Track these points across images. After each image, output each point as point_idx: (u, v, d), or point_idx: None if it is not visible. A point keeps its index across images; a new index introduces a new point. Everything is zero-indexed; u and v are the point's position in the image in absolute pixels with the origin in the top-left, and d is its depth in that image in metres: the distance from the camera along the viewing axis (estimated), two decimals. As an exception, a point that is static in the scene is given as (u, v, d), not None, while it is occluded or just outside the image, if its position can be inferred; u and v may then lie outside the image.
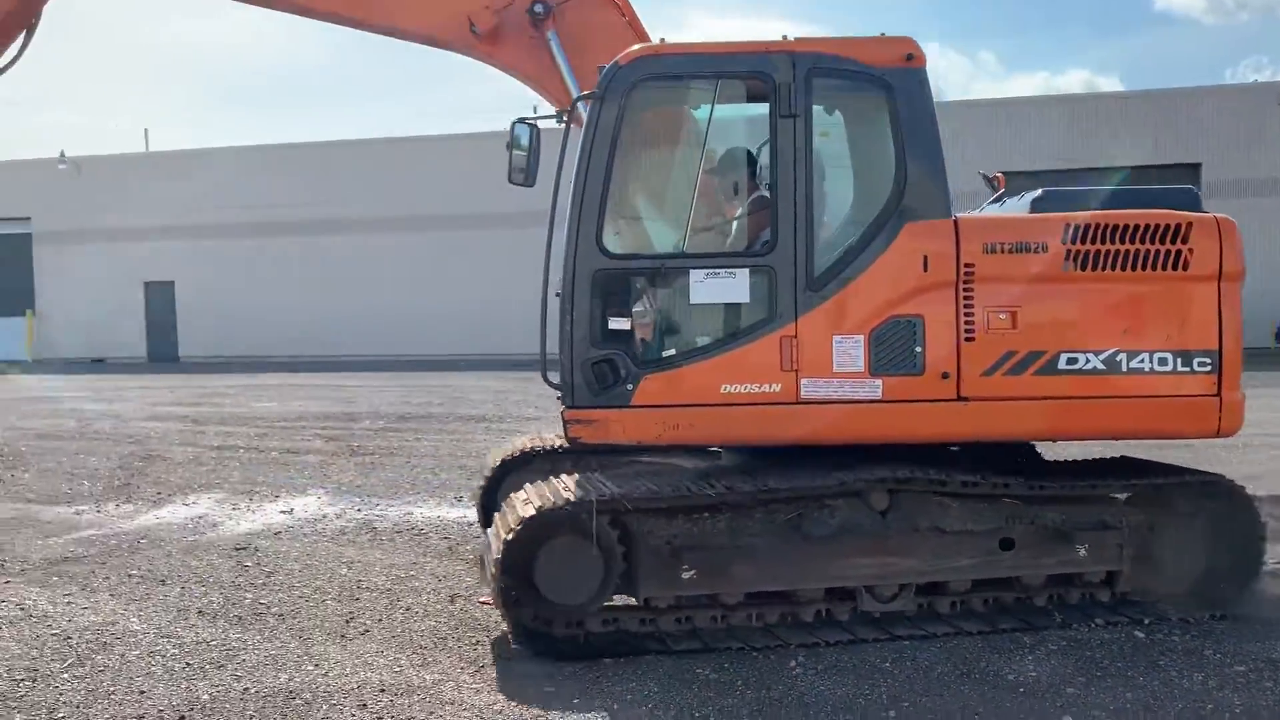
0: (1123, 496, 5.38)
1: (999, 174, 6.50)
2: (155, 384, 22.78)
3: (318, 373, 24.98)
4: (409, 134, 31.54)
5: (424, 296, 29.85)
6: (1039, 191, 5.53)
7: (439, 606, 5.76)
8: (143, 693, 4.52)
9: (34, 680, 4.68)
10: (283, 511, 8.56)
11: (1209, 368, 5.15)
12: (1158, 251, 5.12)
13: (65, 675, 4.74)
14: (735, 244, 5.54)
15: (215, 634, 5.31)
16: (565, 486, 5.11)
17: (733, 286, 5.13)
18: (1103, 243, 5.11)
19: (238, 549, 7.22)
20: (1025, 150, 26.40)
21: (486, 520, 6.49)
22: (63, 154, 32.98)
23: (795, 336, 5.06)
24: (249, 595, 6.04)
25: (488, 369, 24.88)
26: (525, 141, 5.36)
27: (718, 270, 5.15)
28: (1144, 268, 5.13)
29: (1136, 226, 5.12)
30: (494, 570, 4.84)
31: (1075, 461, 5.88)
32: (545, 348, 5.33)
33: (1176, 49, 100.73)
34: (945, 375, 5.10)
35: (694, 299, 5.17)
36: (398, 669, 4.77)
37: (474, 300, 29.27)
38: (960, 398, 5.11)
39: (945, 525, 5.12)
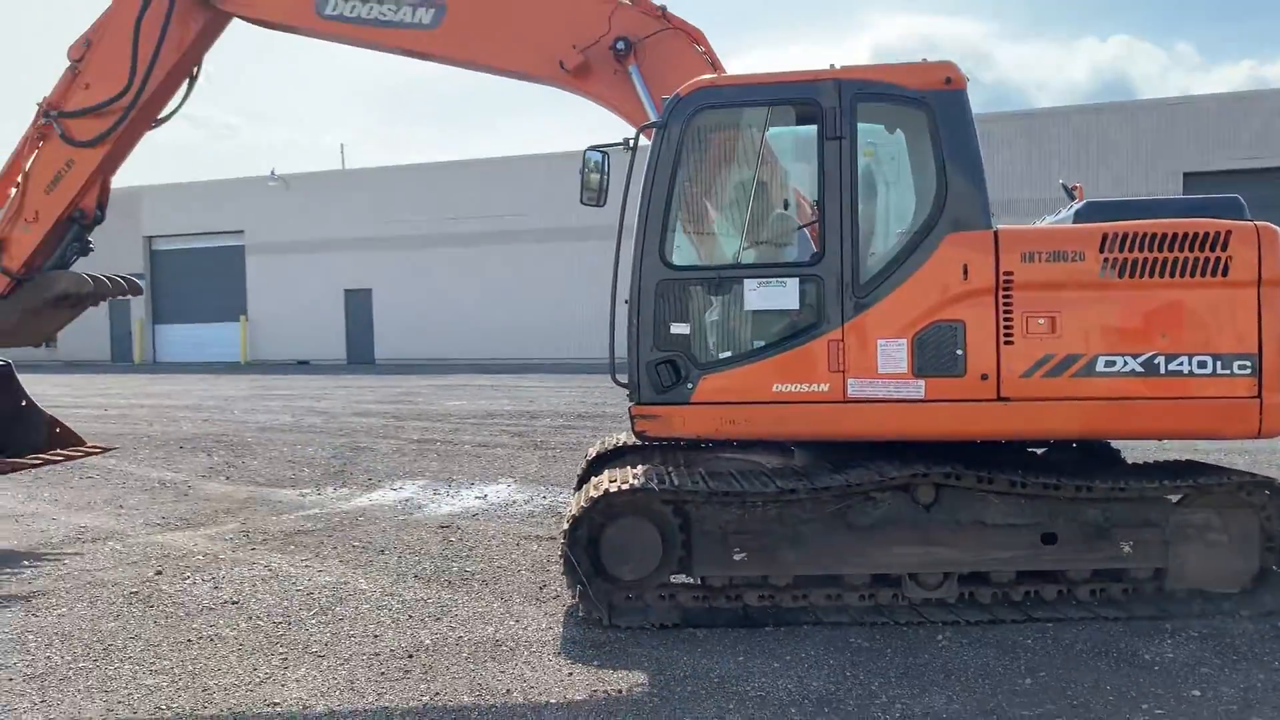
0: (1175, 498, 5.56)
1: (1078, 185, 6.72)
2: (355, 384, 24.62)
3: (499, 374, 26.40)
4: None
5: (592, 302, 30.95)
6: (1083, 203, 5.80)
7: (619, 579, 6.45)
8: (376, 636, 5.39)
9: (289, 624, 5.62)
10: (478, 497, 9.46)
11: (1249, 371, 5.32)
12: (1197, 259, 5.32)
13: (312, 621, 5.67)
14: (786, 255, 6.01)
15: (430, 594, 6.17)
16: (634, 474, 5.65)
17: (784, 294, 5.59)
18: (1141, 251, 5.34)
19: (442, 527, 8.14)
20: (1211, 148, 25.32)
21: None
22: (273, 172, 35.85)
23: (842, 340, 5.49)
24: (455, 564, 6.90)
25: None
26: (596, 166, 6.05)
27: (769, 280, 5.63)
28: (1183, 274, 5.33)
29: (1175, 235, 5.33)
30: (564, 542, 5.46)
31: (1143, 464, 6.07)
32: (614, 350, 5.92)
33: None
34: (985, 376, 5.41)
35: (748, 306, 5.65)
36: (586, 628, 5.47)
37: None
38: (1000, 398, 5.41)
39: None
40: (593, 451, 7.27)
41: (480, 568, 6.81)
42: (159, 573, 6.80)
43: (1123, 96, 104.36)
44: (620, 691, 4.56)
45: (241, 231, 36.30)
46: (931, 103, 5.50)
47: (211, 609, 5.93)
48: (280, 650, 5.18)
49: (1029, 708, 4.30)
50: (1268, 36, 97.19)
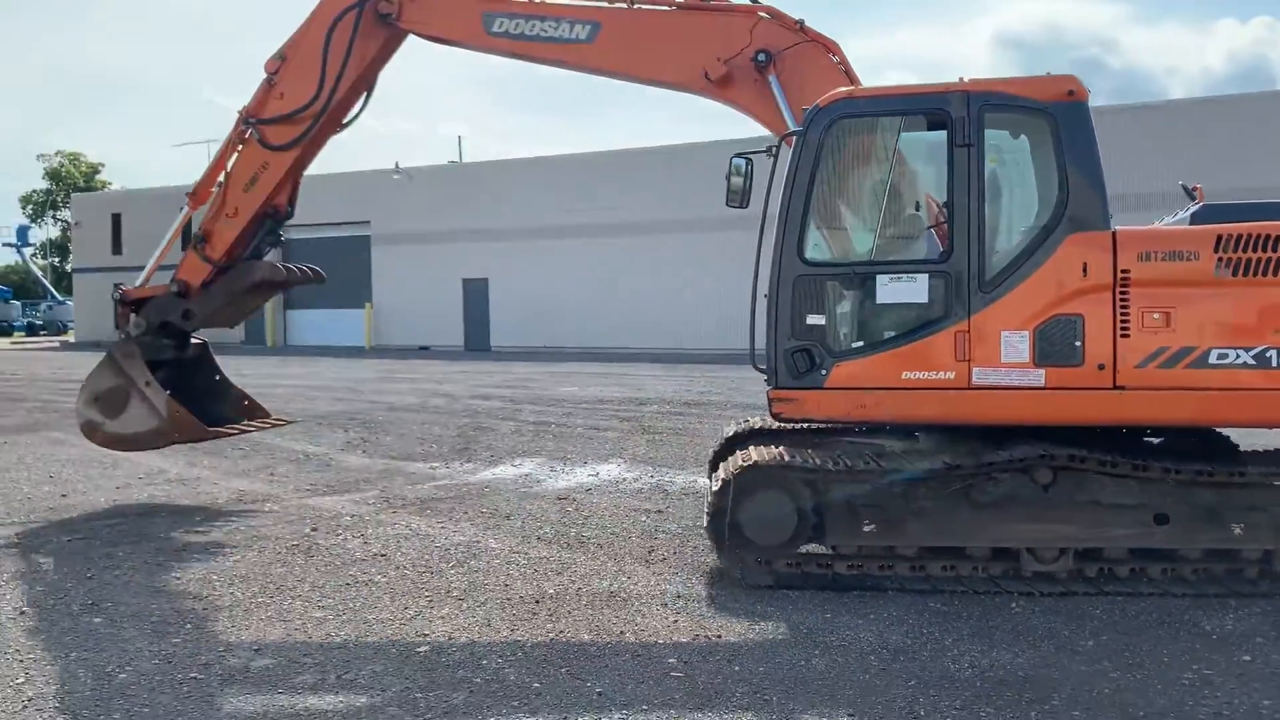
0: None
1: (1198, 185, 7.04)
2: (474, 369, 25.76)
3: (608, 363, 27.23)
4: (686, 141, 33.35)
5: (701, 293, 31.53)
6: (1199, 205, 6.16)
7: (721, 547, 7.08)
8: (506, 585, 6.14)
9: (431, 573, 6.42)
10: (590, 475, 10.19)
11: None
12: None
13: (451, 571, 6.46)
14: (916, 253, 6.45)
15: (552, 553, 6.91)
16: (773, 453, 6.21)
17: (914, 289, 6.06)
18: (1254, 251, 5.67)
19: (560, 499, 8.90)
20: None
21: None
22: (397, 165, 37.41)
23: (968, 332, 5.92)
24: (573, 530, 7.63)
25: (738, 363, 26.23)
26: (739, 170, 6.64)
27: (900, 275, 6.13)
28: None
29: None
30: (708, 513, 6.07)
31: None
32: (754, 339, 6.51)
33: None
34: (1102, 366, 5.79)
35: (880, 300, 6.14)
36: (689, 585, 6.13)
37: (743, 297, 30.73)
38: (1116, 387, 5.80)
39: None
40: (730, 430, 7.85)
41: (595, 534, 7.52)
42: (314, 529, 7.70)
43: (1263, 82, 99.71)
44: (719, 636, 5.20)
45: (368, 222, 37.94)
46: (1055, 113, 5.95)
47: (363, 560, 6.77)
48: (426, 594, 5.97)
49: (1086, 664, 4.79)
50: None
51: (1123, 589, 5.86)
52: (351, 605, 5.76)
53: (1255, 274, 5.68)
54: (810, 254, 6.24)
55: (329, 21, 7.94)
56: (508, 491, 9.26)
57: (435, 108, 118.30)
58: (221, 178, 8.47)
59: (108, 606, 5.76)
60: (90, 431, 8.58)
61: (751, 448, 6.47)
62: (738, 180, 6.65)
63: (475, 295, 35.89)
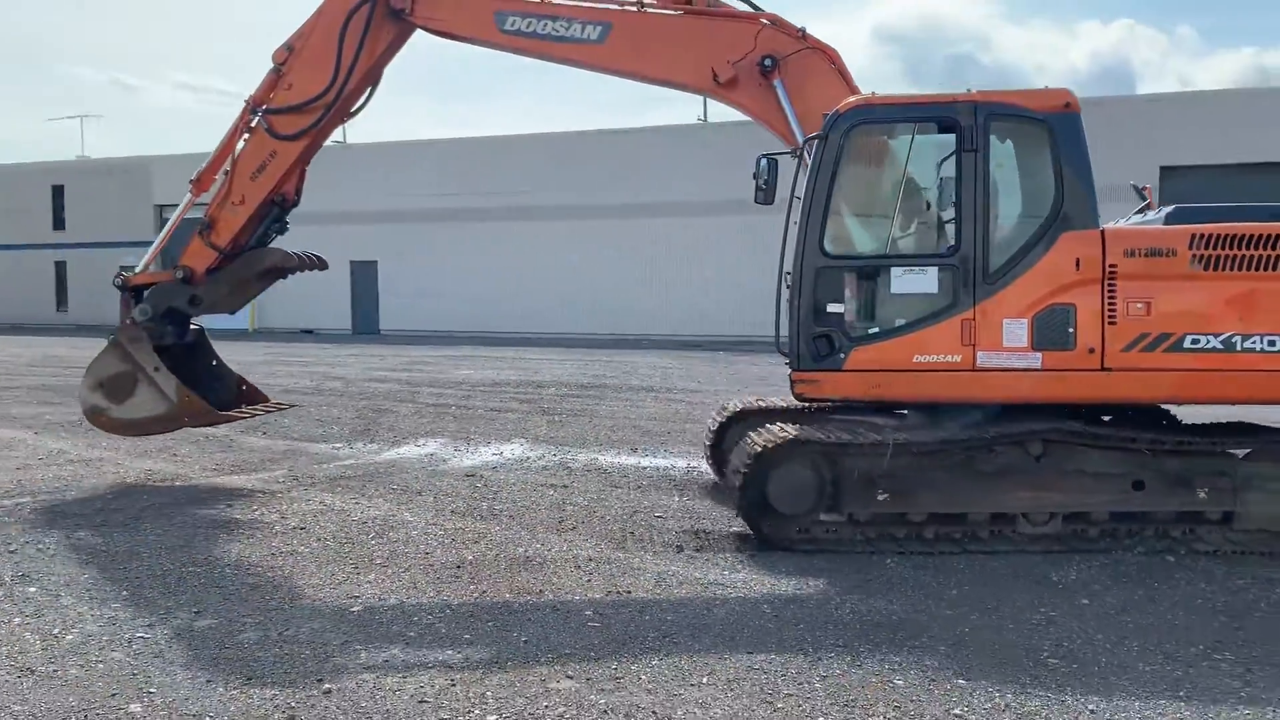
0: (1241, 453, 6.62)
1: (1148, 186, 7.87)
2: (365, 352, 25.71)
3: (501, 347, 27.49)
4: (589, 128, 33.79)
5: (593, 278, 32.03)
6: (1172, 208, 6.96)
7: (625, 517, 7.60)
8: (427, 553, 6.54)
9: (352, 544, 6.77)
10: (494, 454, 10.58)
11: None
12: (1267, 255, 6.40)
13: (371, 542, 6.82)
14: (926, 248, 7.10)
15: (466, 525, 7.32)
16: (793, 430, 6.82)
17: (925, 280, 6.72)
18: (1223, 249, 6.43)
19: (468, 475, 9.28)
20: (1175, 146, 26.40)
21: (715, 460, 8.61)
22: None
23: (973, 319, 6.59)
24: (485, 503, 8.05)
25: (650, 349, 26.89)
26: (764, 170, 7.16)
27: (913, 267, 6.79)
28: (1256, 268, 6.42)
29: (1250, 236, 6.43)
30: (739, 485, 6.59)
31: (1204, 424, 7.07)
32: (779, 325, 7.10)
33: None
34: (1091, 350, 6.51)
35: (894, 290, 6.77)
36: (598, 550, 6.63)
37: (634, 284, 31.39)
38: (1104, 368, 6.51)
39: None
40: (718, 416, 8.60)
41: (506, 507, 7.95)
42: (229, 506, 7.94)
43: (1123, 82, 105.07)
44: (629, 592, 5.72)
45: (250, 202, 37.17)
46: (1052, 123, 6.62)
47: (284, 533, 7.07)
48: (350, 562, 6.32)
49: (951, 609, 5.47)
50: (1271, 23, 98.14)
51: (1002, 548, 6.57)
52: (280, 573, 6.08)
53: (1224, 269, 6.44)
54: (831, 247, 6.83)
55: (342, 15, 8.09)
56: (415, 470, 9.60)
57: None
58: (227, 165, 8.55)
59: (39, 577, 5.96)
60: (94, 416, 8.61)
61: (778, 425, 7.02)
62: (762, 179, 7.19)
63: (364, 278, 35.62)
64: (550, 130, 34.35)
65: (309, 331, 35.55)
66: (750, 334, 30.28)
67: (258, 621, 5.17)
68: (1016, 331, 6.53)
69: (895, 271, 6.76)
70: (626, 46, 7.83)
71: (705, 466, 9.52)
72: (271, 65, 8.35)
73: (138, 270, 8.85)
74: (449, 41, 8.43)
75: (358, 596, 5.62)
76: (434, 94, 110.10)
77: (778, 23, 7.69)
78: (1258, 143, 25.33)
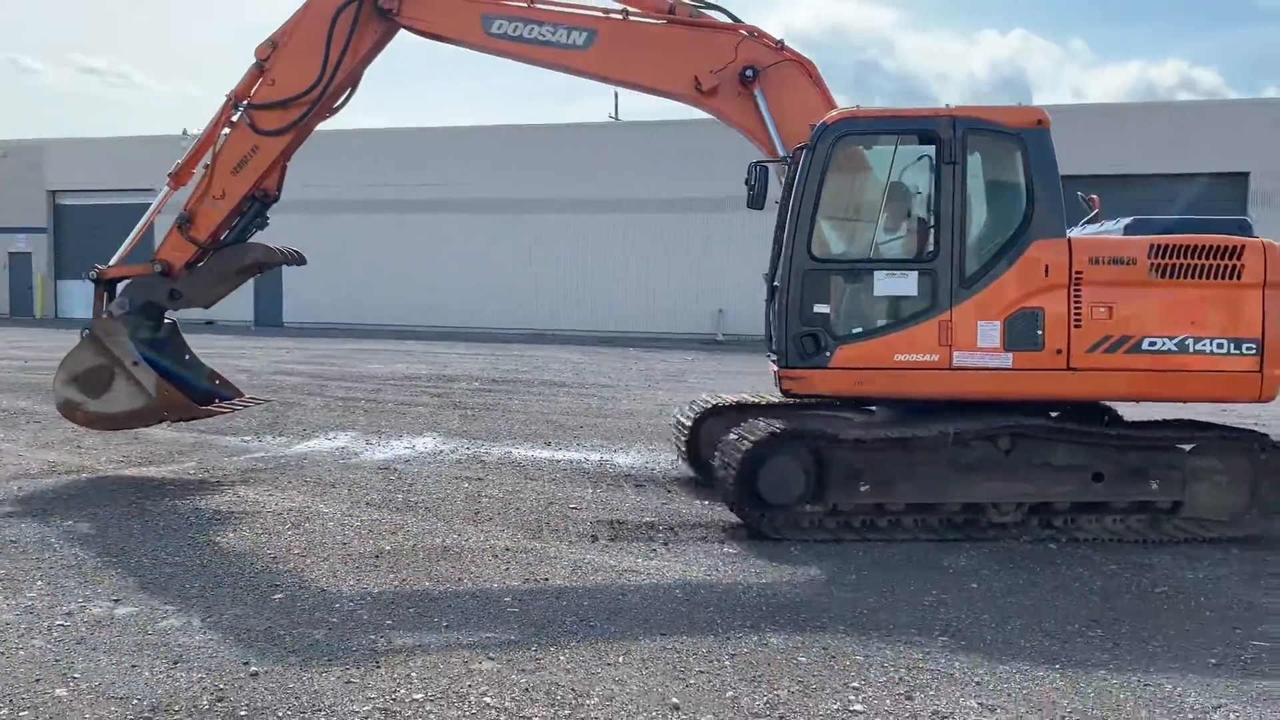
0: (1188, 447, 7.11)
1: (1094, 196, 8.33)
2: (270, 345, 25.29)
3: (409, 340, 27.32)
4: (498, 123, 33.73)
5: (500, 273, 32.03)
6: (1130, 219, 7.42)
7: (540, 509, 7.79)
8: (344, 544, 6.63)
9: (268, 535, 6.83)
10: (407, 447, 10.65)
11: (1254, 351, 6.96)
12: (1219, 265, 6.92)
13: (288, 533, 6.89)
14: (907, 253, 7.41)
15: (383, 516, 7.43)
16: (779, 424, 7.04)
17: (905, 284, 7.11)
18: (1178, 258, 6.92)
19: (381, 469, 9.36)
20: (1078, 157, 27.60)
21: (691, 455, 8.79)
22: (185, 131, 35.77)
23: (950, 321, 6.99)
24: (400, 495, 8.15)
25: (561, 344, 27.06)
26: (756, 177, 7.47)
27: (894, 271, 7.17)
28: (1208, 277, 6.93)
29: (1203, 247, 6.94)
30: (730, 477, 6.83)
31: (1152, 421, 7.52)
32: (769, 326, 7.48)
33: (1277, 44, 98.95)
34: (1059, 351, 6.96)
35: (876, 292, 7.18)
36: (515, 539, 6.82)
37: (543, 280, 31.54)
38: (1069, 368, 6.96)
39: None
40: (688, 412, 8.90)
41: (421, 499, 8.07)
42: (141, 497, 7.89)
43: (1020, 91, 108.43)
44: (547, 580, 5.92)
45: (151, 189, 36.14)
46: (1025, 137, 7.06)
47: (198, 524, 7.08)
48: (268, 552, 6.39)
49: (850, 593, 5.81)
50: (1158, 39, 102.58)
51: (881, 535, 6.97)
52: (198, 562, 6.12)
53: (1179, 277, 6.94)
54: (817, 251, 7.19)
55: (328, 12, 8.14)
56: (327, 463, 9.62)
57: (224, 69, 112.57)
58: (207, 159, 8.53)
59: (-53, 568, 5.90)
60: (70, 411, 8.55)
61: (763, 420, 7.26)
62: (752, 185, 7.48)
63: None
64: (461, 124, 34.23)
65: (210, 323, 34.71)
66: (660, 331, 30.68)
67: (178, 609, 5.24)
68: (990, 333, 6.99)
69: (878, 275, 7.20)
70: (611, 53, 8.08)
71: (620, 460, 9.77)
72: (254, 60, 8.36)
73: (111, 263, 8.78)
74: (434, 42, 8.49)
75: (278, 585, 5.71)
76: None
77: (757, 34, 8.04)
78: (1140, 154, 26.60)
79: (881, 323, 7.18)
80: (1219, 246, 6.94)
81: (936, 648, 4.93)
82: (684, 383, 17.93)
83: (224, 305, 32.29)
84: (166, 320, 9.16)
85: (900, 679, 4.52)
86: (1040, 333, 6.96)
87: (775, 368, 7.36)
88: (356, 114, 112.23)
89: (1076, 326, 6.95)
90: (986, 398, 7.08)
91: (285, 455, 10.02)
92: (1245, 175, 25.52)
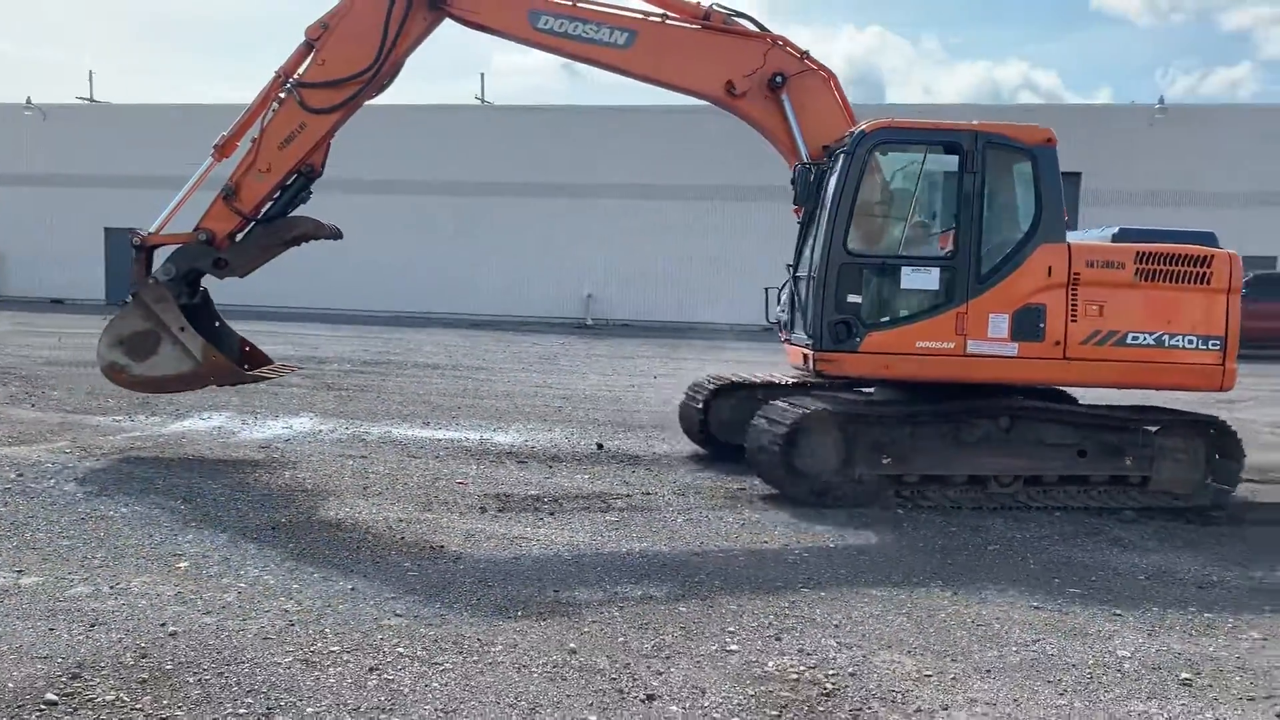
0: (1155, 429, 8.01)
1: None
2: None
3: (273, 321, 26.83)
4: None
5: (370, 254, 31.72)
6: (1117, 229, 8.37)
7: (428, 484, 8.11)
8: (240, 516, 6.83)
9: (161, 508, 6.94)
10: (285, 427, 10.75)
11: (1219, 347, 7.88)
12: (1192, 272, 7.87)
13: (181, 506, 7.02)
14: (931, 251, 8.21)
15: (273, 491, 7.62)
16: (816, 403, 7.82)
17: (929, 279, 7.91)
18: (1159, 264, 7.84)
19: (262, 447, 9.48)
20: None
21: (702, 430, 9.56)
22: (29, 100, 34.10)
23: (966, 313, 7.79)
24: (287, 472, 8.34)
25: (431, 327, 27.07)
26: (802, 176, 8.32)
27: (919, 267, 7.96)
28: (1184, 282, 7.87)
29: (1181, 255, 7.88)
30: (769, 451, 7.58)
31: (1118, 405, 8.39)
32: (793, 312, 8.48)
33: (1112, 47, 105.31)
34: (1057, 343, 7.81)
35: (903, 285, 7.95)
36: (406, 511, 7.14)
37: (412, 261, 31.42)
38: (1065, 358, 7.82)
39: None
40: (700, 393, 9.62)
41: (308, 475, 8.28)
42: (20, 475, 7.85)
43: (874, 89, 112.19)
44: (442, 546, 6.29)
45: (-13, 159, 34.38)
46: (1036, 153, 7.90)
47: (87, 499, 7.15)
48: (164, 525, 6.54)
49: (723, 554, 6.37)
50: (1004, 41, 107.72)
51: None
52: (96, 536, 6.24)
53: (1159, 280, 7.85)
54: (852, 247, 7.94)
55: (386, 1, 8.43)
56: (207, 442, 9.68)
57: (79, 37, 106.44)
58: (253, 132, 8.76)
59: None
60: (114, 374, 8.83)
61: (798, 397, 8.08)
62: (803, 184, 8.36)
63: (121, 246, 33.56)
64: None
65: (59, 301, 33.27)
66: (530, 315, 30.95)
67: (85, 578, 5.40)
68: (999, 325, 7.82)
69: (905, 270, 7.97)
70: (650, 53, 8.64)
71: (500, 439, 10.16)
72: (303, 39, 8.65)
73: (152, 230, 8.95)
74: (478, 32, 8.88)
75: (180, 554, 5.90)
76: (200, 49, 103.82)
77: (783, 43, 8.72)
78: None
79: (905, 313, 7.98)
80: (1193, 255, 7.91)
81: (800, 597, 5.53)
82: (557, 365, 18.37)
83: (73, 283, 31.37)
84: (201, 288, 9.38)
85: (769, 623, 5.09)
86: (1042, 325, 7.83)
87: (807, 350, 8.16)
88: (210, 82, 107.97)
89: (1073, 321, 7.84)
90: (994, 381, 7.97)
91: (162, 434, 10.01)
92: (1078, 175, 27.48)
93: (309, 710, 3.92)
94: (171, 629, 4.68)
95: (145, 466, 8.33)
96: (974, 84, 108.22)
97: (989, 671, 4.59)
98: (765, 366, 18.28)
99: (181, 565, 5.69)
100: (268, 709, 3.90)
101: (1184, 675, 4.61)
